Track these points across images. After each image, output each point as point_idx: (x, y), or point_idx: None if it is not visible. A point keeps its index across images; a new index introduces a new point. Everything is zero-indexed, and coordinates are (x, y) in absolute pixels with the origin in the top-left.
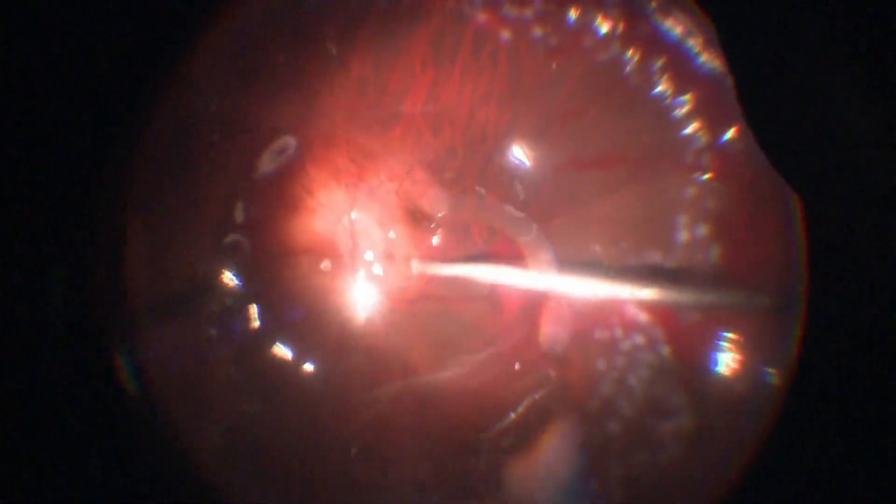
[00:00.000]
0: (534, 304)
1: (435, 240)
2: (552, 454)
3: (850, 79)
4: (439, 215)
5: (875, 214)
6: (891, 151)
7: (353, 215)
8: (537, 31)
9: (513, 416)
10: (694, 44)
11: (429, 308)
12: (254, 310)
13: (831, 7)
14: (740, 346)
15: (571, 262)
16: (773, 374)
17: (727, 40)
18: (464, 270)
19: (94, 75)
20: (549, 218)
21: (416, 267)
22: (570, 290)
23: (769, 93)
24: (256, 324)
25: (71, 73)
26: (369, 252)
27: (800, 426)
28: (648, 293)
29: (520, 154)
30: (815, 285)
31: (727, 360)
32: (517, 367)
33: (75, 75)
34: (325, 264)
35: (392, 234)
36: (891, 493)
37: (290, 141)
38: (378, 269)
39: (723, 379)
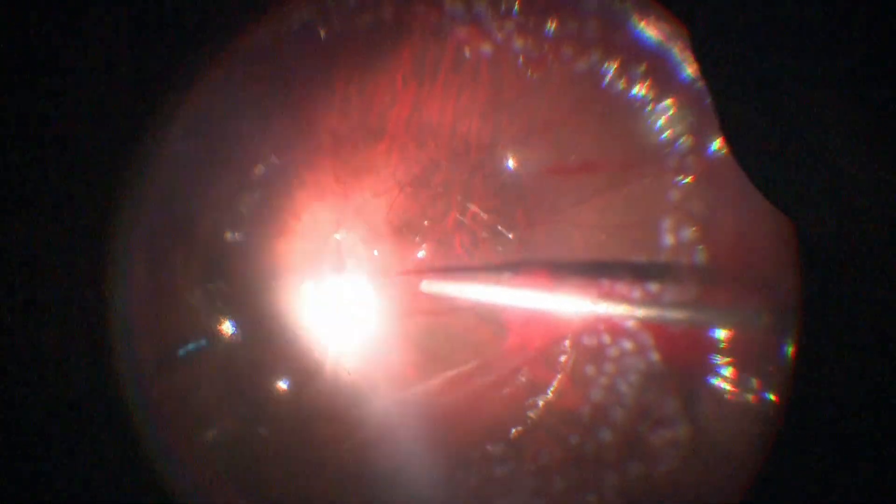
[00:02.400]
0: (521, 314)
1: (421, 254)
2: (543, 466)
3: (831, 97)
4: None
5: (861, 226)
6: (874, 167)
7: (340, 234)
8: (517, 44)
9: (503, 427)
10: (674, 50)
11: (417, 322)
12: (243, 330)
13: (813, 19)
14: (732, 350)
15: (557, 268)
16: (768, 380)
17: (704, 54)
18: (451, 285)
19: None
20: (534, 225)
21: (404, 283)
22: (557, 298)
23: (750, 115)
24: (245, 343)
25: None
26: (357, 270)
27: (799, 434)
28: (635, 299)
29: (504, 163)
30: (810, 288)
31: (719, 366)
32: (507, 377)
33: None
34: (313, 283)
35: (376, 252)
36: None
37: (275, 163)
38: (366, 287)
39: (715, 385)
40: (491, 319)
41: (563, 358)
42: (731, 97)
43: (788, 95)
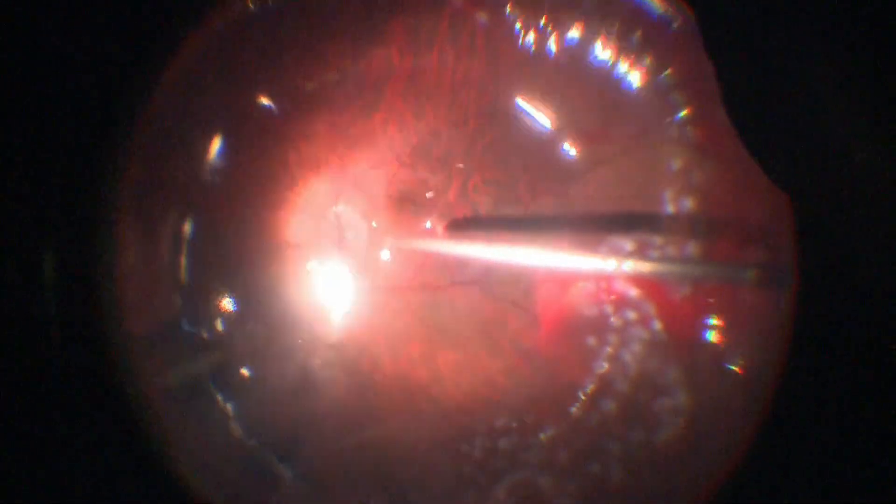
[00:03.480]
0: (526, 287)
1: (422, 225)
2: (547, 438)
3: (835, 78)
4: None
5: (862, 204)
6: (873, 145)
7: (339, 207)
8: (514, 13)
9: (508, 401)
10: (673, 18)
11: (421, 297)
12: (244, 307)
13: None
14: (733, 319)
15: (560, 239)
16: (768, 348)
17: (707, 28)
18: (453, 251)
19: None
20: (536, 196)
21: (405, 255)
22: (561, 268)
23: (753, 92)
24: (247, 319)
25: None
26: (357, 243)
27: (799, 402)
28: (637, 268)
29: (505, 134)
30: (808, 256)
31: (720, 334)
32: (512, 351)
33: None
34: (314, 259)
35: (375, 224)
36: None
37: (271, 136)
38: (367, 260)
39: (717, 353)
40: (496, 295)
41: (568, 332)
42: (733, 70)
43: (789, 70)
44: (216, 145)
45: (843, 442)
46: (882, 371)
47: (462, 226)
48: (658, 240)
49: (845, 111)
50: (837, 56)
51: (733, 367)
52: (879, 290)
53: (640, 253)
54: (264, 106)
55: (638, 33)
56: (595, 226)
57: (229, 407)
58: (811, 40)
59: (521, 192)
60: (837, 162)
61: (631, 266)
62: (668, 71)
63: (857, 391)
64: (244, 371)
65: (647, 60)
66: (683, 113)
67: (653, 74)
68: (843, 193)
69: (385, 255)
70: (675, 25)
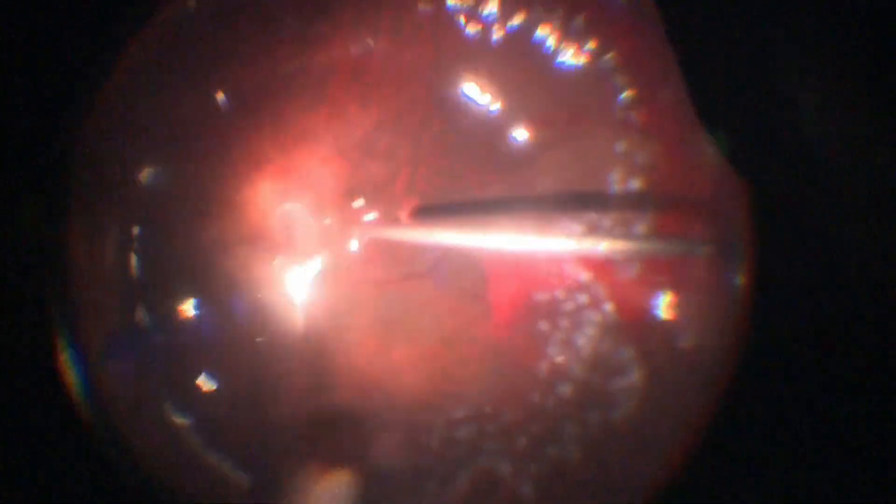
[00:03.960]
0: (478, 277)
1: (369, 218)
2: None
3: (795, 63)
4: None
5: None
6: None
7: (287, 204)
8: (453, 3)
9: (466, 391)
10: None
11: (373, 292)
12: (192, 307)
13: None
14: (684, 296)
15: (509, 225)
16: (722, 324)
17: (669, 16)
18: (408, 240)
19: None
20: (485, 184)
21: (354, 249)
22: (512, 255)
23: (714, 78)
24: (197, 319)
25: None
26: (307, 240)
27: (756, 377)
28: (588, 250)
29: (450, 123)
30: (761, 232)
31: (672, 312)
32: (467, 341)
33: None
34: (262, 256)
35: (326, 221)
36: (852, 434)
37: (216, 135)
38: (316, 257)
39: (669, 331)
40: (448, 286)
41: (521, 319)
42: (695, 57)
43: (751, 57)
44: (161, 146)
45: (801, 418)
46: (840, 349)
47: (424, 213)
48: (607, 221)
49: (805, 94)
50: (799, 43)
51: (685, 345)
52: (839, 267)
53: (590, 234)
54: (208, 104)
55: (580, 17)
56: (544, 210)
57: (185, 413)
58: (776, 27)
59: (469, 181)
60: (796, 142)
61: (581, 248)
62: (611, 54)
63: (816, 369)
64: (198, 376)
65: (590, 44)
66: (626, 95)
67: (595, 58)
68: (801, 173)
69: (336, 250)
70: (617, 8)
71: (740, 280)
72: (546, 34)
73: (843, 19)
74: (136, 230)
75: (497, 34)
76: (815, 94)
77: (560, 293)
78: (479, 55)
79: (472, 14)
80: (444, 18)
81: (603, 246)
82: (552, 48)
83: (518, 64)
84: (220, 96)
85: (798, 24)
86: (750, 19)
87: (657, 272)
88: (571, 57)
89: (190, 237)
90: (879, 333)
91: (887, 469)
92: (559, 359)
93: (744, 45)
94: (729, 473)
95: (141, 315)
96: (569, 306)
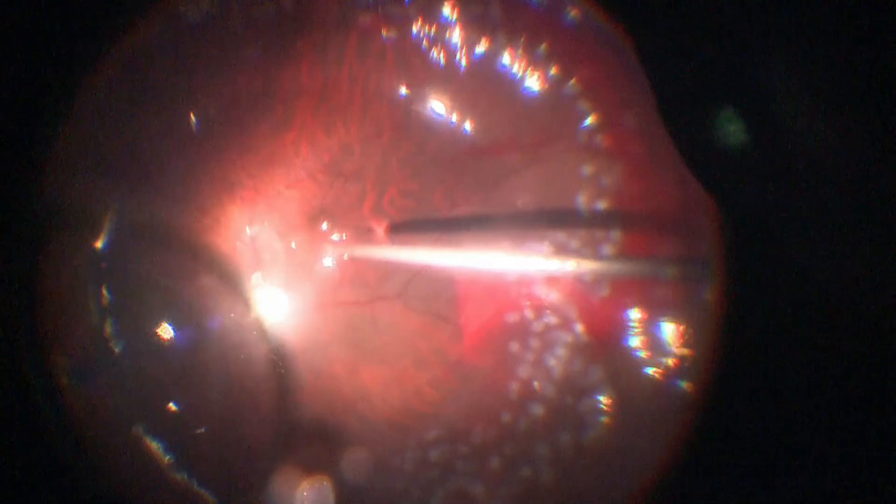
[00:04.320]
0: (448, 299)
1: (337, 241)
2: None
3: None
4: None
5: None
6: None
7: (254, 228)
8: (422, 29)
9: (437, 412)
10: (576, 27)
11: (342, 314)
12: (160, 331)
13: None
14: (654, 318)
15: (479, 247)
16: (693, 344)
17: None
18: (373, 260)
19: None
20: (454, 206)
21: (323, 273)
22: (482, 277)
23: (686, 101)
24: (165, 344)
25: None
26: (274, 264)
27: (729, 397)
28: (557, 271)
29: (418, 146)
30: (733, 250)
31: (641, 333)
32: (438, 363)
33: None
34: (229, 280)
35: (294, 244)
36: (830, 458)
37: (182, 159)
38: (284, 281)
39: (640, 351)
40: (418, 308)
41: (492, 340)
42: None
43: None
44: (125, 171)
45: (777, 438)
46: (817, 367)
47: (393, 235)
48: (574, 243)
49: (779, 109)
50: (771, 60)
51: (656, 366)
52: (812, 286)
53: (559, 256)
54: (174, 128)
55: (543, 45)
56: (513, 232)
57: (155, 437)
58: (747, 43)
59: (437, 203)
60: (769, 159)
61: (550, 269)
62: (573, 80)
63: (791, 389)
64: (168, 400)
65: (553, 71)
66: (590, 120)
67: (559, 84)
68: (774, 191)
69: (304, 273)
70: (579, 33)
71: (711, 299)
72: (510, 61)
73: (815, 36)
74: (102, 256)
75: (462, 61)
76: (789, 110)
77: (530, 314)
78: (445, 80)
79: (438, 42)
80: (410, 45)
81: (572, 267)
82: (517, 74)
83: (483, 89)
84: (186, 120)
85: (770, 39)
86: (721, 37)
87: (626, 293)
88: (536, 83)
89: (156, 261)
90: (858, 352)
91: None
92: (530, 380)
93: (714, 63)
94: (703, 494)
95: (110, 339)
96: (539, 327)
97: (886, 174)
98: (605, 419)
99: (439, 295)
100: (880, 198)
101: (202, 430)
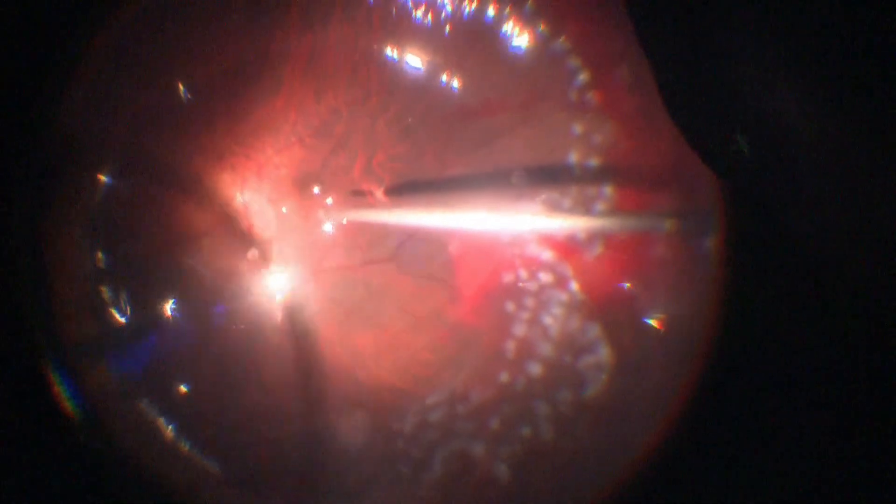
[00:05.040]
0: (442, 260)
1: (328, 203)
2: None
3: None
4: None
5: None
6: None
7: (245, 195)
8: None
9: (436, 374)
10: None
11: (334, 279)
12: (158, 302)
13: None
14: (652, 273)
15: (471, 207)
16: (693, 298)
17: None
18: (365, 223)
19: None
20: (444, 167)
21: (315, 238)
22: (474, 236)
23: (685, 69)
24: (164, 314)
25: None
26: (266, 230)
27: (733, 353)
28: (550, 230)
29: (406, 108)
30: (734, 200)
31: (638, 288)
32: (434, 325)
33: None
34: (221, 248)
35: (285, 210)
36: (837, 417)
37: (170, 127)
38: (277, 246)
39: (637, 308)
40: (412, 271)
41: (488, 301)
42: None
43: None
44: (115, 142)
45: (781, 398)
46: (821, 324)
47: (384, 197)
48: (568, 201)
49: (779, 77)
50: (775, 26)
51: (653, 322)
52: (816, 240)
53: (552, 215)
54: (163, 98)
55: (530, 1)
56: (505, 192)
57: (157, 407)
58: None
59: (428, 165)
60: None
61: (544, 227)
62: (562, 37)
63: (796, 345)
64: (171, 370)
65: (542, 27)
66: (580, 77)
67: (548, 41)
68: (774, 150)
69: (296, 238)
70: None
71: (712, 252)
72: (497, 19)
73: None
74: (98, 226)
75: (449, 21)
76: (789, 78)
77: (525, 274)
78: (432, 41)
79: (423, 1)
80: (395, 6)
81: (565, 225)
82: (505, 32)
83: (472, 48)
84: (175, 89)
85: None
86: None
87: (622, 249)
88: (524, 40)
89: (151, 232)
90: (863, 312)
91: (873, 452)
92: (528, 339)
93: (709, 29)
94: (706, 453)
95: (113, 312)
96: (534, 286)
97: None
98: (604, 376)
99: (433, 257)
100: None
101: (203, 396)
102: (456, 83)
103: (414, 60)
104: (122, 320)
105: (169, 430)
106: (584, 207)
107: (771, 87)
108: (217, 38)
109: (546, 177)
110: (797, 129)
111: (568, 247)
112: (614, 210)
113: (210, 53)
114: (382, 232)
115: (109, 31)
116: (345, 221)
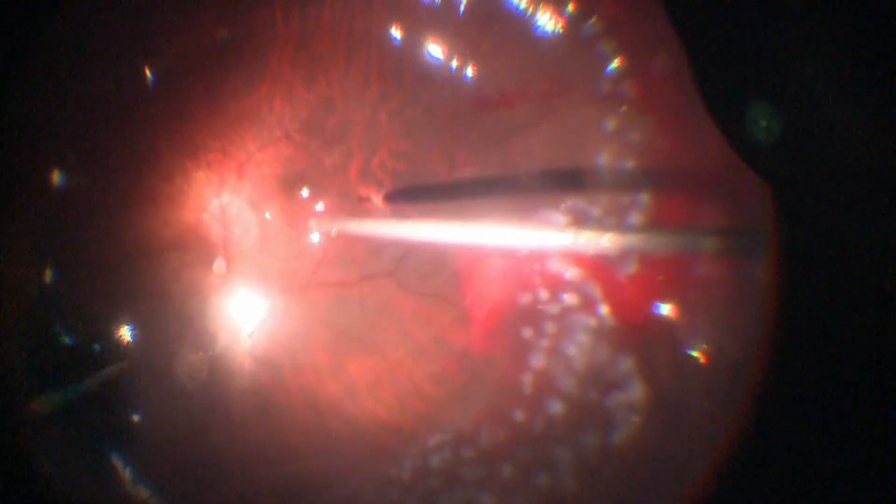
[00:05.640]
0: (450, 276)
1: (318, 211)
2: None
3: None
4: None
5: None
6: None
7: (223, 198)
8: None
9: (439, 413)
10: None
11: (324, 296)
12: (119, 323)
13: None
14: (693, 297)
15: (484, 216)
16: (741, 331)
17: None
18: (361, 232)
19: None
20: (454, 167)
21: (302, 248)
22: (487, 250)
23: (736, 79)
24: (123, 338)
25: None
26: (246, 238)
27: (785, 395)
28: (576, 243)
29: (412, 98)
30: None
31: (678, 316)
32: (439, 352)
33: None
34: (195, 261)
35: (268, 216)
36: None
37: (139, 119)
38: (258, 258)
39: (676, 338)
40: (415, 287)
41: (503, 325)
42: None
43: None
44: (67, 136)
45: (837, 439)
46: (880, 357)
47: (383, 203)
48: (596, 210)
49: (835, 92)
50: (827, 37)
51: (695, 354)
52: (861, 265)
53: (578, 226)
54: (129, 83)
55: None
56: (524, 198)
57: (113, 446)
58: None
59: (435, 165)
60: (825, 143)
61: (569, 241)
62: (595, 18)
63: (850, 384)
64: (127, 403)
65: (570, 7)
66: (614, 65)
67: (576, 23)
68: (824, 158)
69: (282, 249)
70: None
71: (762, 277)
72: None
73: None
74: (50, 238)
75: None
76: (837, 78)
77: (545, 294)
78: (442, 22)
79: None
80: None
81: (594, 239)
82: (524, 12)
83: (487, 32)
84: (140, 73)
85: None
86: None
87: (659, 269)
88: (549, 22)
89: (112, 242)
90: None
91: None
92: (547, 371)
93: (756, 14)
94: None
95: (60, 336)
96: (556, 309)
97: None
98: (636, 418)
99: (438, 273)
100: None
101: (167, 434)
102: (468, 70)
103: (420, 44)
104: (70, 345)
105: (120, 471)
106: (616, 218)
107: (825, 90)
108: (191, 13)
109: (571, 181)
110: (850, 132)
111: (596, 264)
112: (651, 222)
113: (182, 31)
114: (380, 243)
115: (64, 6)
116: (338, 230)
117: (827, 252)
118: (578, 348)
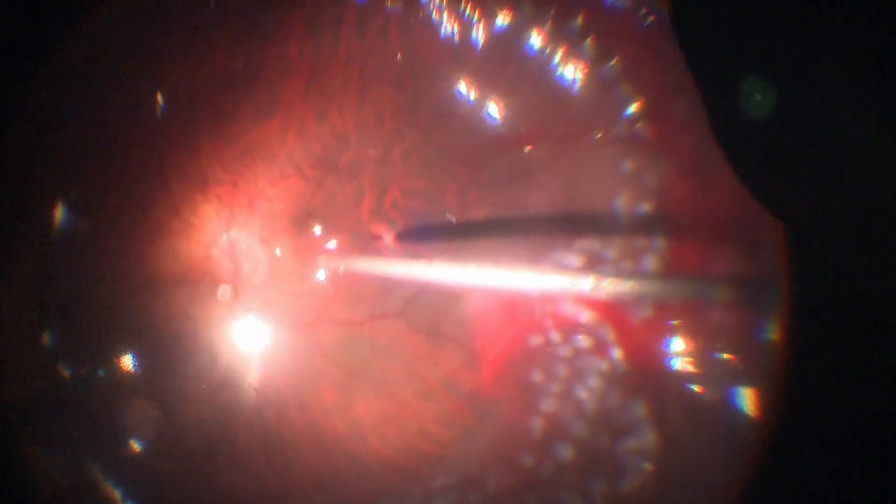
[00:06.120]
0: (460, 317)
1: (329, 248)
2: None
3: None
4: None
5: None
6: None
7: (232, 233)
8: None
9: (444, 452)
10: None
11: (335, 335)
12: (119, 359)
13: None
14: (706, 344)
15: (496, 256)
16: (753, 378)
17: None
18: (372, 271)
19: None
20: (467, 208)
21: (312, 285)
22: (498, 291)
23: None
24: (128, 376)
25: None
26: (255, 275)
27: (795, 442)
28: (589, 287)
29: (426, 136)
30: (800, 270)
31: (692, 361)
32: (447, 394)
33: None
34: (203, 296)
35: (278, 252)
36: None
37: (148, 151)
38: (267, 294)
39: (689, 384)
40: (425, 328)
41: (513, 368)
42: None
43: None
44: (74, 167)
45: (843, 482)
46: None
47: (395, 242)
48: (611, 253)
49: (850, 128)
50: (842, 69)
51: (708, 402)
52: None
53: (592, 269)
54: (132, 113)
55: (578, 18)
56: (538, 239)
57: (116, 481)
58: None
59: (448, 205)
60: (837, 180)
61: (582, 284)
62: (614, 60)
63: (864, 438)
64: (131, 442)
65: (589, 48)
66: (633, 107)
67: (596, 64)
68: (843, 204)
69: (291, 286)
70: (620, 6)
71: (774, 326)
72: (538, 36)
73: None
74: (54, 270)
75: (480, 36)
76: (858, 116)
77: (557, 337)
78: (459, 60)
79: (451, 13)
80: (418, 17)
81: (607, 282)
82: (544, 52)
83: (504, 71)
84: (150, 103)
85: (841, 34)
86: (785, 22)
87: (673, 314)
88: (567, 62)
89: (117, 275)
90: None
91: None
92: (558, 415)
93: (774, 52)
94: None
95: (64, 373)
96: (567, 352)
97: None
98: (647, 465)
99: (448, 313)
100: None
101: (171, 474)
102: (484, 109)
103: (436, 81)
104: (73, 381)
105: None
106: (631, 261)
107: (847, 128)
108: (204, 46)
109: (585, 223)
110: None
111: (609, 307)
112: (666, 266)
113: (195, 65)
114: (391, 282)
115: (72, 35)
116: (348, 268)
117: (842, 303)
118: (589, 392)
